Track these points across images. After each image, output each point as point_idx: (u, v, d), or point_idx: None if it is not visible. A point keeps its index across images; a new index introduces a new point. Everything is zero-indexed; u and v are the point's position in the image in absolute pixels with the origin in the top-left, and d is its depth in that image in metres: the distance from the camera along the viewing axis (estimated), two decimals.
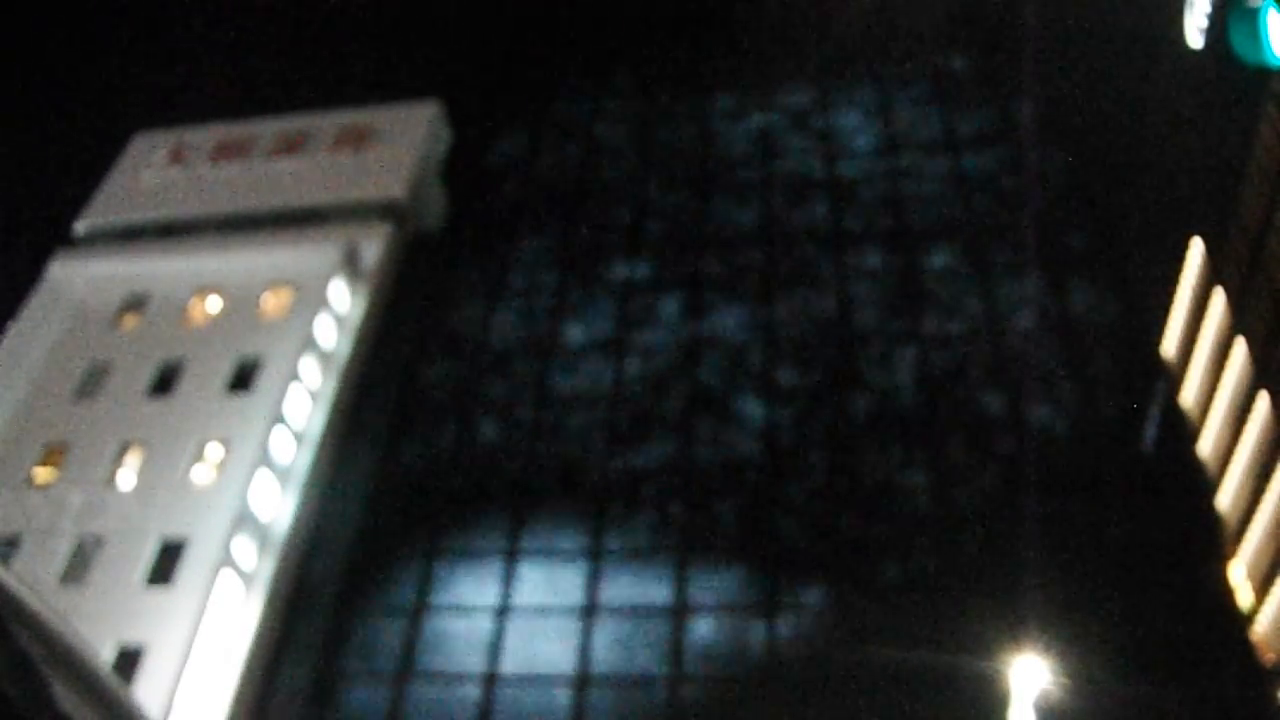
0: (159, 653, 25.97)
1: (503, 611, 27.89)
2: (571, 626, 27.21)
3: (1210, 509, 24.88)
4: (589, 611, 27.38)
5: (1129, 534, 25.65)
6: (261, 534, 28.95)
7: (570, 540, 28.99)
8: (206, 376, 32.59)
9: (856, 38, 42.10)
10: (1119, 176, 31.24)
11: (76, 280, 36.90)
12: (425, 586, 28.78)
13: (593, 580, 27.94)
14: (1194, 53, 24.22)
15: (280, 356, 32.38)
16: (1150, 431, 27.85)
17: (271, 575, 28.55)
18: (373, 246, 35.81)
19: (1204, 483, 25.34)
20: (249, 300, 34.97)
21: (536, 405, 32.40)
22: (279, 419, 30.54)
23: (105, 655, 25.90)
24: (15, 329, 35.13)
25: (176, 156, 41.01)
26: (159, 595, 27.38)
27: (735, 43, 43.82)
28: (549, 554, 28.85)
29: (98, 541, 28.92)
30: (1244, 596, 23.53)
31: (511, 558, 28.96)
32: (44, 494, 30.50)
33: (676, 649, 26.08)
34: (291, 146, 40.09)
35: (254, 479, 29.10)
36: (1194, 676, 23.16)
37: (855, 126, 39.08)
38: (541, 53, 46.39)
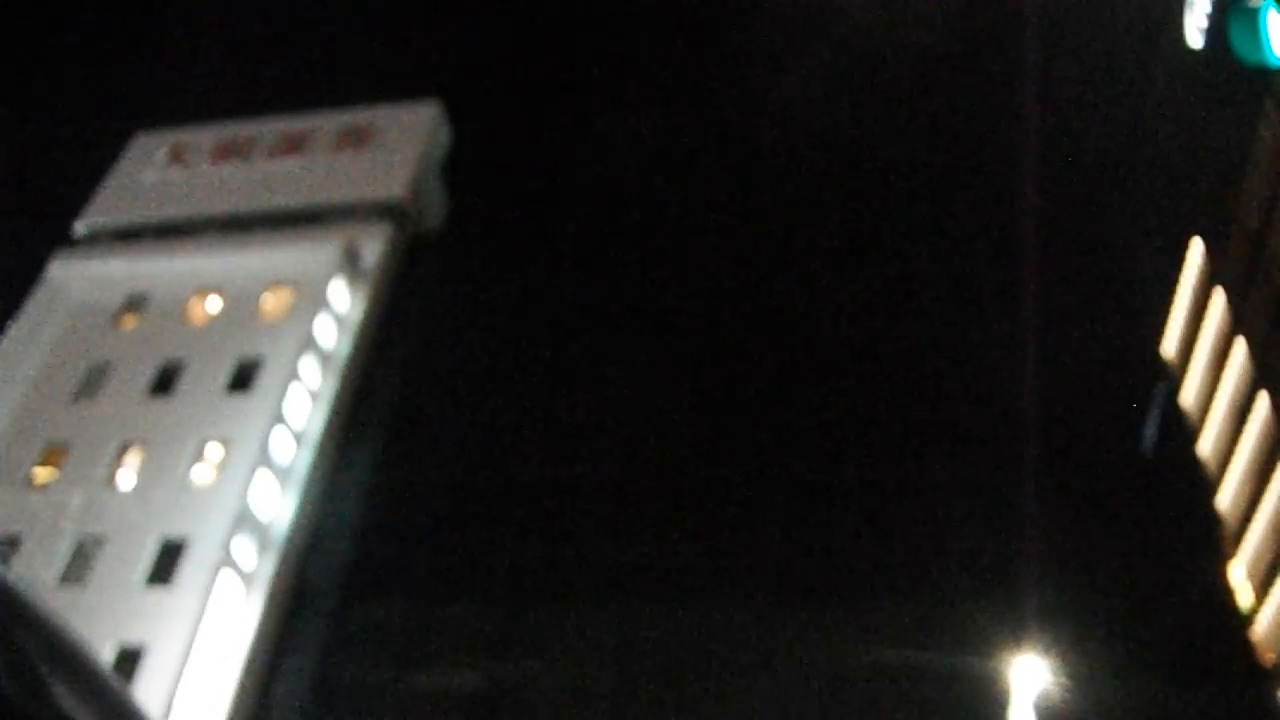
0: (159, 653, 25.97)
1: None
2: None
3: (1210, 509, 24.86)
4: None
5: (1129, 534, 25.63)
6: (261, 534, 28.94)
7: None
8: (206, 376, 32.55)
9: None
10: (1119, 176, 31.22)
11: (76, 280, 36.84)
12: (424, 587, 28.76)
13: None
14: (1194, 53, 24.21)
15: (280, 356, 32.35)
16: (1150, 431, 27.83)
17: (271, 575, 28.54)
18: (373, 246, 35.77)
19: (1204, 483, 25.32)
20: (249, 300, 34.91)
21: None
22: (279, 419, 30.52)
23: (105, 655, 25.90)
24: (15, 329, 35.08)
25: (176, 156, 40.96)
26: (159, 595, 27.37)
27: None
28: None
29: (98, 541, 28.89)
30: (1244, 596, 23.52)
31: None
32: (44, 494, 30.48)
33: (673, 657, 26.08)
34: (291, 146, 40.02)
35: (254, 479, 29.09)
36: (1194, 676, 23.15)
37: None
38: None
